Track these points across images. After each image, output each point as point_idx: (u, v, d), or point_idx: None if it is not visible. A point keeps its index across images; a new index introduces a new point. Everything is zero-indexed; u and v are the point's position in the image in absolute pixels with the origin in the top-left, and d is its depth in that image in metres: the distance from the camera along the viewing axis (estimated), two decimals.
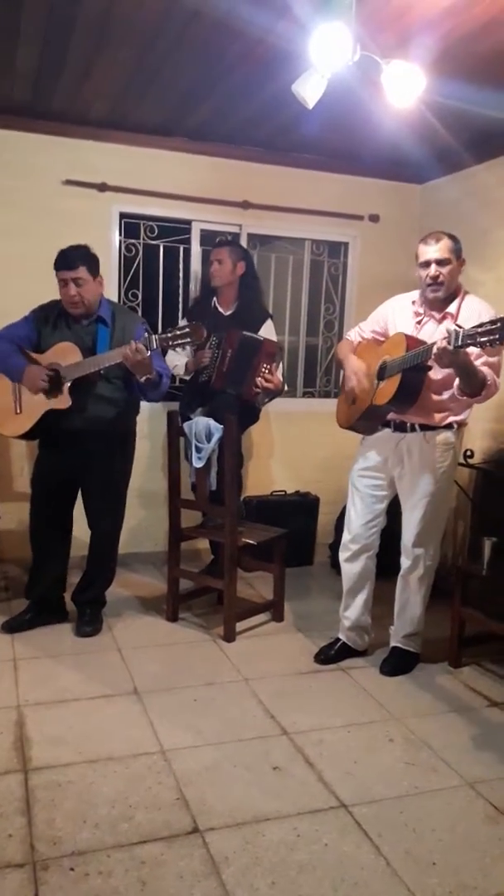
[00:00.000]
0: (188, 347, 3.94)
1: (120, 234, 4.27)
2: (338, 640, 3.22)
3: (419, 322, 2.92)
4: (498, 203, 4.13)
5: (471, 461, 4.04)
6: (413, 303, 2.96)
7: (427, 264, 2.81)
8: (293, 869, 1.89)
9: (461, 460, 4.09)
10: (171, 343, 2.80)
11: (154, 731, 2.54)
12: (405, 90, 2.63)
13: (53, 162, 4.01)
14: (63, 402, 3.00)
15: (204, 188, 4.31)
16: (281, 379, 3.80)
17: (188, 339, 2.77)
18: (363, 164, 4.51)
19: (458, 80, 3.03)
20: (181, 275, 4.47)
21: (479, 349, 2.47)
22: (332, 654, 3.18)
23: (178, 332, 2.76)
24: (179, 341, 2.78)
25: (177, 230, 4.41)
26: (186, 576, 3.66)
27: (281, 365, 3.88)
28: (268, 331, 3.91)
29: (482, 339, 2.32)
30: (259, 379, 3.70)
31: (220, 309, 3.93)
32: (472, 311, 2.80)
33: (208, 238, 4.46)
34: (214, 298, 3.94)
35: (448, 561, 4.21)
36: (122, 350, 2.87)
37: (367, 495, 3.09)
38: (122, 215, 4.25)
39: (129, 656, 3.15)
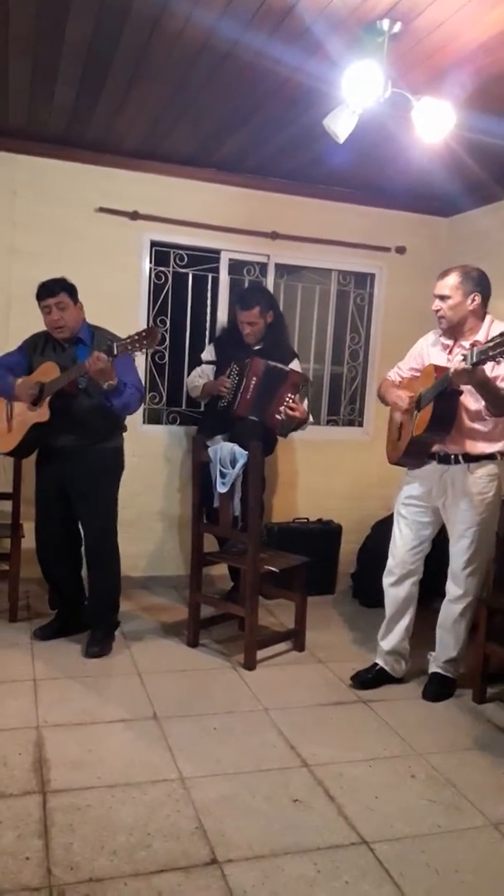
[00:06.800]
0: (209, 370, 4.00)
1: (150, 262, 4.35)
2: (375, 664, 3.22)
3: (450, 352, 3.02)
4: None
5: None
6: (440, 336, 3.08)
7: (434, 298, 2.98)
8: None
9: None
10: (128, 347, 2.93)
11: (173, 757, 2.52)
12: (435, 126, 2.68)
13: (87, 190, 4.12)
14: (43, 414, 3.20)
15: (233, 218, 4.38)
16: (306, 409, 3.81)
17: (145, 342, 2.92)
18: (391, 197, 4.56)
19: (490, 116, 3.06)
20: (209, 303, 4.53)
21: (494, 363, 2.58)
22: (370, 678, 3.18)
23: (136, 336, 2.92)
24: (137, 345, 2.92)
25: (206, 259, 4.48)
26: (208, 601, 3.65)
27: (307, 397, 3.90)
28: (294, 368, 3.96)
29: (493, 353, 2.44)
30: (283, 408, 3.72)
31: (248, 342, 3.98)
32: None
33: (237, 267, 4.53)
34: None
35: None
36: (86, 360, 3.03)
37: (413, 522, 3.13)
38: (153, 243, 4.33)
39: (148, 681, 3.13)
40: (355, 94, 2.52)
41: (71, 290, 3.28)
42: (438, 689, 3.12)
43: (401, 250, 4.74)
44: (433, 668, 3.17)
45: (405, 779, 2.49)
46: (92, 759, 2.47)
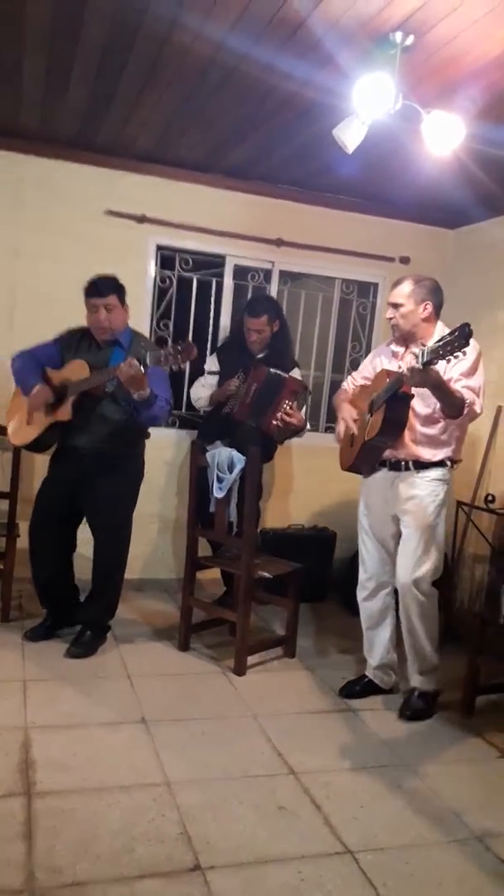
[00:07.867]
0: (212, 381, 4.01)
1: (156, 265, 4.36)
2: (364, 676, 3.21)
3: (401, 359, 3.00)
4: None
5: (492, 506, 4.01)
6: (389, 345, 3.11)
7: (388, 307, 3.00)
8: None
9: (482, 504, 4.08)
10: (161, 360, 2.81)
11: (160, 762, 2.52)
12: (445, 139, 2.69)
13: (96, 192, 4.12)
14: (64, 413, 3.15)
15: (239, 224, 4.39)
16: (303, 416, 3.83)
17: (179, 356, 2.79)
18: (397, 207, 4.57)
19: (501, 128, 3.06)
20: (213, 308, 4.54)
21: (446, 362, 2.54)
22: (358, 689, 3.17)
23: (171, 350, 2.80)
24: (171, 359, 2.80)
25: (211, 264, 4.49)
26: (200, 606, 3.65)
27: (305, 405, 3.93)
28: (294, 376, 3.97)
29: (443, 352, 2.43)
30: (280, 414, 3.73)
31: (252, 350, 3.99)
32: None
33: (241, 273, 4.54)
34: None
35: (464, 607, 4.16)
36: (119, 364, 2.94)
37: (374, 534, 3.13)
38: (159, 247, 4.34)
39: (138, 684, 3.13)
40: (366, 106, 2.53)
41: (121, 292, 3.20)
42: (416, 709, 3.02)
43: (405, 260, 4.75)
44: (413, 682, 3.08)
45: (391, 789, 2.49)
46: (79, 761, 2.47)
